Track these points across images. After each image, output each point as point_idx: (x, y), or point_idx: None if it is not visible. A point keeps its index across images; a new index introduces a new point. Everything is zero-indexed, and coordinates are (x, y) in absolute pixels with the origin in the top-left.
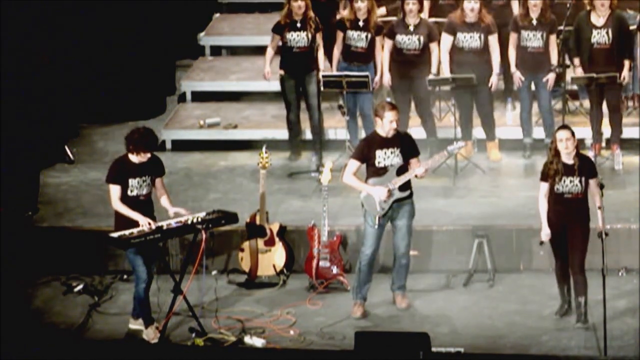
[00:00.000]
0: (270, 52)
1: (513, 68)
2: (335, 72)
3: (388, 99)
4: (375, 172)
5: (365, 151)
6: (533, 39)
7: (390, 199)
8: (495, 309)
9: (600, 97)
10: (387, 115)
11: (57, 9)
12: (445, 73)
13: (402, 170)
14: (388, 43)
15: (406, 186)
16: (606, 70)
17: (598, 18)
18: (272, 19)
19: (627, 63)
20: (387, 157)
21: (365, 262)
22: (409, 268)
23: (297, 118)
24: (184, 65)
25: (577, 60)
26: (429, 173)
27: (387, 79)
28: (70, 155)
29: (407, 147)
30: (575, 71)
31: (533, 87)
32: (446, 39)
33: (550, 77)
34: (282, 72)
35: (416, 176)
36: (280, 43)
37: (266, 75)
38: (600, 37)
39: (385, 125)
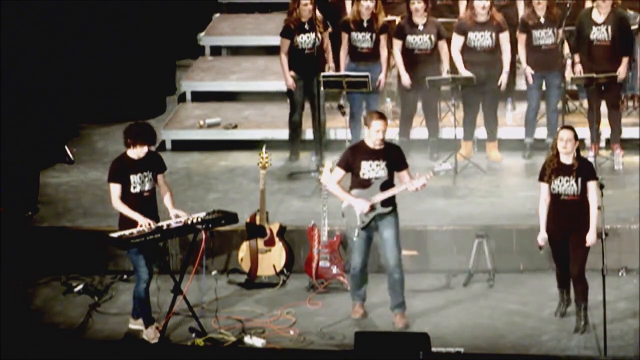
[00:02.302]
0: (285, 59)
1: (524, 64)
2: (335, 72)
3: (388, 100)
4: (359, 183)
5: (350, 160)
6: (545, 37)
7: (372, 213)
8: (495, 309)
9: (599, 97)
10: (374, 125)
11: (57, 9)
12: (462, 72)
13: (386, 184)
14: (398, 44)
15: (389, 201)
16: (605, 68)
17: (599, 15)
18: (272, 19)
19: (624, 60)
20: (372, 169)
21: (356, 269)
22: (404, 282)
23: (301, 120)
24: (184, 65)
25: (576, 57)
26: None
27: (406, 78)
28: (70, 155)
29: (394, 160)
30: (575, 68)
31: (543, 87)
32: (457, 40)
33: (568, 64)
34: (292, 73)
35: (407, 189)
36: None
37: (291, 86)
38: (600, 33)
39: (372, 135)
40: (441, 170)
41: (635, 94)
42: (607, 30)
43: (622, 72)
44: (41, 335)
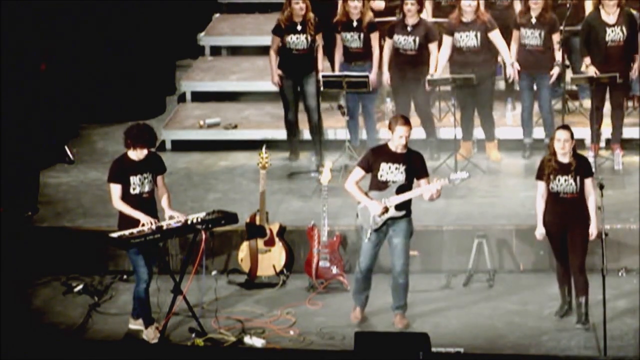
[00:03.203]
0: (273, 56)
1: (513, 59)
2: (335, 73)
3: (388, 100)
4: (376, 184)
5: (371, 161)
6: (531, 37)
7: (385, 215)
8: (495, 309)
9: (602, 97)
10: (398, 130)
11: (57, 9)
12: (440, 73)
13: (403, 189)
14: (388, 42)
15: (403, 206)
16: (619, 68)
17: (609, 16)
18: (272, 19)
19: (637, 58)
20: (390, 172)
21: (361, 273)
22: (408, 287)
23: (295, 119)
24: (184, 65)
25: (587, 59)
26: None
27: (386, 77)
28: (70, 155)
29: (415, 167)
30: (588, 70)
31: (535, 88)
32: (444, 40)
33: (555, 71)
34: (280, 72)
35: (423, 197)
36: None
37: (277, 84)
38: (614, 34)
39: (395, 140)
40: (457, 179)
41: (636, 94)
42: (621, 30)
43: (635, 69)
44: (41, 335)
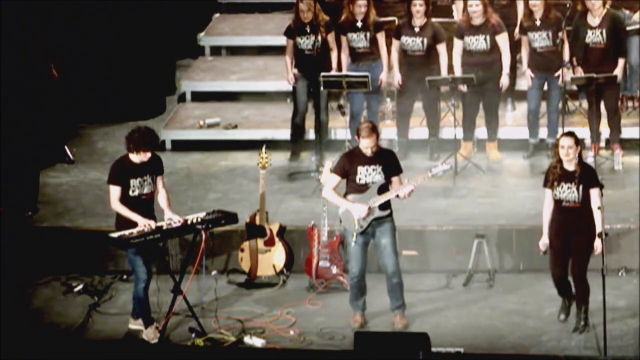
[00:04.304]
0: (288, 58)
1: (524, 66)
2: (335, 72)
3: (388, 100)
4: (355, 188)
5: (347, 167)
6: (539, 39)
7: (369, 217)
8: (495, 309)
9: (598, 97)
10: (362, 142)
11: (57, 9)
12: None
13: (383, 188)
14: (395, 44)
15: (386, 205)
16: (601, 70)
17: (594, 18)
18: (272, 19)
19: (620, 62)
20: (368, 174)
21: (354, 280)
22: (403, 286)
23: (303, 122)
24: (184, 65)
25: (574, 60)
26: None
27: (397, 79)
28: (70, 155)
29: (390, 165)
30: (574, 70)
31: (545, 88)
32: (456, 44)
33: (562, 72)
34: (295, 71)
35: (397, 196)
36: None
37: (290, 81)
38: (595, 37)
39: (362, 149)
40: (439, 172)
41: (635, 94)
42: (602, 33)
43: (618, 73)
44: (41, 335)
